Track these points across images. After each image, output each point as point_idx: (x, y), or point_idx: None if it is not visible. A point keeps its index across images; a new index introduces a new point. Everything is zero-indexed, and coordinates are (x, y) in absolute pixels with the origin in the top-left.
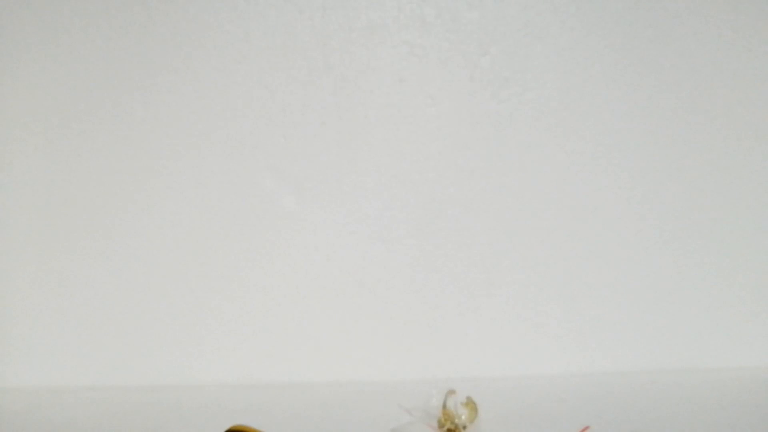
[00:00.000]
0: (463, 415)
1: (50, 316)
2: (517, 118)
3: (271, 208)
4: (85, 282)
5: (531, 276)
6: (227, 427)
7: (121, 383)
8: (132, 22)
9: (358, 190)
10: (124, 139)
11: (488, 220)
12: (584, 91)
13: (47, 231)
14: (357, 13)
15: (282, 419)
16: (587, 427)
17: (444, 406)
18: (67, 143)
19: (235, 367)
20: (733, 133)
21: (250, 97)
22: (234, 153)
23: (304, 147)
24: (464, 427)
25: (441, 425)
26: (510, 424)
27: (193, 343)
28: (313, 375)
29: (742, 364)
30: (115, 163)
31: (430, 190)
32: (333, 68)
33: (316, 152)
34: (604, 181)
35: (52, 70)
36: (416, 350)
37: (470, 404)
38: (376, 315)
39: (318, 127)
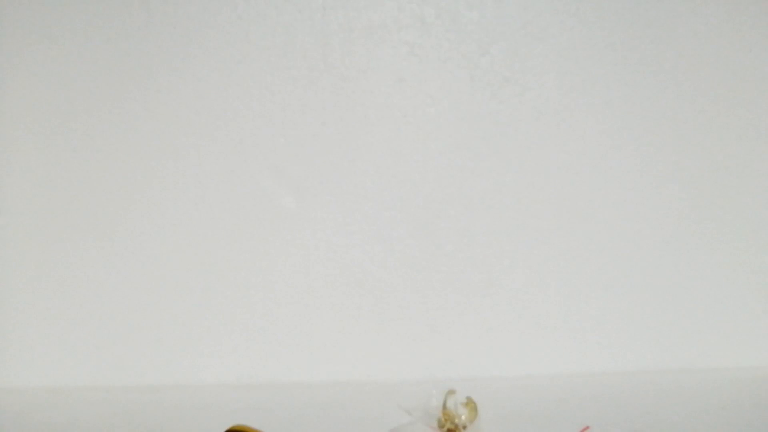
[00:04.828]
0: (463, 415)
1: (50, 316)
2: (517, 118)
3: (271, 208)
4: (85, 282)
5: (531, 276)
6: (227, 427)
7: (121, 383)
8: (132, 22)
9: (358, 190)
10: (124, 139)
11: (488, 220)
12: (584, 91)
13: (47, 231)
14: (357, 13)
15: (282, 419)
16: (587, 427)
17: (444, 406)
18: (67, 143)
19: (235, 367)
20: (733, 133)
21: (250, 97)
22: (234, 153)
23: (304, 147)
24: (464, 427)
25: (441, 425)
26: (510, 424)
27: (193, 343)
28: (313, 375)
29: (742, 364)
30: (115, 163)
31: (430, 190)
32: (333, 68)
33: (316, 152)
34: (604, 181)
35: (52, 69)
36: (416, 350)
37: (470, 404)
38: (376, 315)
39: (318, 127)
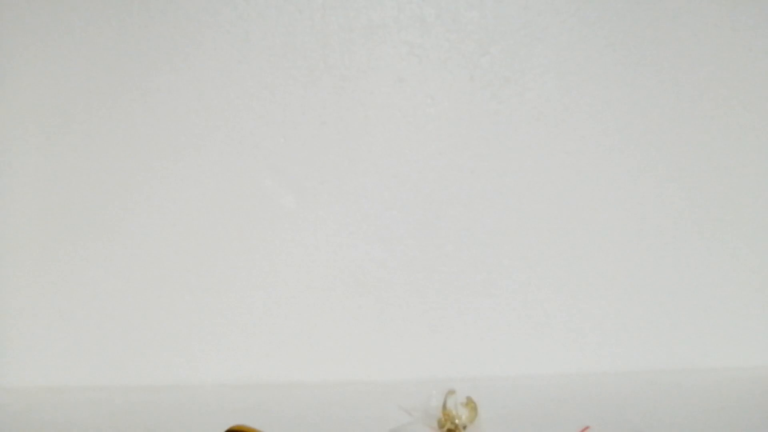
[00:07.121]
0: (463, 415)
1: (50, 316)
2: (517, 118)
3: (271, 208)
4: (85, 282)
5: (531, 276)
6: (227, 427)
7: (121, 383)
8: (132, 21)
9: (358, 190)
10: (124, 139)
11: (488, 220)
12: (584, 91)
13: (47, 231)
14: (357, 13)
15: (282, 419)
16: (587, 427)
17: (444, 406)
18: (67, 143)
19: (235, 367)
20: (733, 133)
21: (250, 97)
22: (234, 153)
23: (304, 147)
24: (464, 427)
25: (441, 425)
26: (510, 424)
27: (193, 343)
28: (313, 375)
29: (742, 364)
30: (115, 163)
31: (430, 190)
32: (333, 68)
33: (316, 152)
34: (604, 180)
35: (52, 70)
36: (416, 350)
37: (470, 404)
38: (376, 315)
39: (318, 127)
